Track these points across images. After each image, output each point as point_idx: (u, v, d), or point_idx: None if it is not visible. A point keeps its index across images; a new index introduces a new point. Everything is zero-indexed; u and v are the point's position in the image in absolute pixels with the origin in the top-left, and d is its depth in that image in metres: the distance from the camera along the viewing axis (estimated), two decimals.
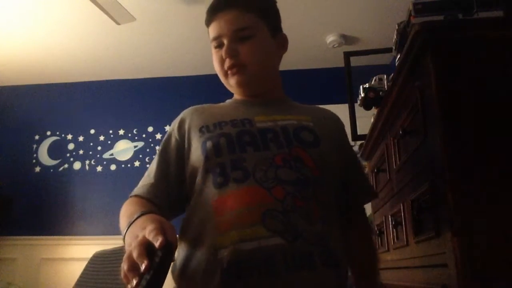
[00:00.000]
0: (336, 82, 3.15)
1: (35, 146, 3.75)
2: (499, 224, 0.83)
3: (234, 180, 0.86)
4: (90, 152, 3.69)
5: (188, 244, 0.89)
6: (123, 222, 0.84)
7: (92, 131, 3.74)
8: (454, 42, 0.93)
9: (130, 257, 0.66)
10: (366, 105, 1.68)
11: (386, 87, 1.64)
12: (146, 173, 1.00)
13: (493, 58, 0.92)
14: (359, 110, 1.84)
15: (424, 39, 0.93)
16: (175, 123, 1.03)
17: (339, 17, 2.98)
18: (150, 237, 0.67)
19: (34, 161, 3.71)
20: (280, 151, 0.90)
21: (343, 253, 0.90)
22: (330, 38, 3.20)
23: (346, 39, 3.20)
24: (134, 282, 0.63)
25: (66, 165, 3.68)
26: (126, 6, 2.54)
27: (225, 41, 0.98)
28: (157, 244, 0.65)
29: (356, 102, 1.84)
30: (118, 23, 2.68)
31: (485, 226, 0.82)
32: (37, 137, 3.77)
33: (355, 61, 2.32)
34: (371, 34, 3.11)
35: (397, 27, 1.29)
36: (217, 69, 1.02)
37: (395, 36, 1.32)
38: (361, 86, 1.71)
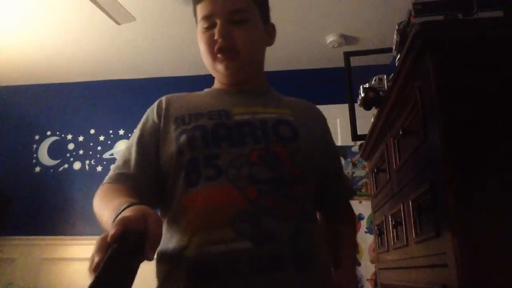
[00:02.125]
0: (336, 82, 3.15)
1: (35, 146, 3.75)
2: (499, 224, 0.83)
3: (206, 178, 0.82)
4: (90, 152, 3.69)
5: (163, 242, 0.85)
6: (107, 213, 0.74)
7: (92, 131, 3.74)
8: (454, 42, 0.93)
9: (92, 253, 0.59)
10: (366, 105, 1.68)
11: (386, 87, 1.64)
12: (122, 161, 0.92)
13: (493, 58, 0.92)
14: (359, 110, 1.84)
15: (424, 39, 0.93)
16: (153, 107, 0.98)
17: (339, 17, 2.98)
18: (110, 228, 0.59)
19: (34, 161, 3.71)
20: (257, 147, 0.85)
21: (322, 253, 0.87)
22: (330, 38, 3.20)
23: (346, 39, 3.20)
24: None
25: (66, 165, 3.68)
26: (126, 6, 2.54)
27: (218, 21, 0.91)
28: (108, 237, 0.57)
29: (356, 102, 1.83)
30: (118, 23, 2.68)
31: (485, 226, 0.82)
32: (37, 137, 3.77)
33: (355, 61, 2.32)
34: (371, 34, 3.11)
35: (397, 27, 1.29)
36: (205, 50, 0.94)
37: (395, 36, 1.32)
38: (361, 86, 1.71)
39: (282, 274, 0.78)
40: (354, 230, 1.10)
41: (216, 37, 0.91)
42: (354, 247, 1.07)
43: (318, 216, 0.94)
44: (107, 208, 0.76)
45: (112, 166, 0.94)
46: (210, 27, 0.93)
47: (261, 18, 0.98)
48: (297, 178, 0.87)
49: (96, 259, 0.56)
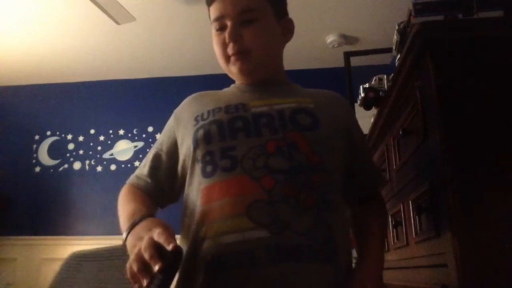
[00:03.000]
0: (336, 82, 3.14)
1: (35, 146, 3.75)
2: (499, 224, 0.83)
3: (222, 169, 0.83)
4: (90, 152, 3.69)
5: (184, 234, 0.89)
6: (123, 220, 0.84)
7: (92, 131, 3.74)
8: (454, 42, 0.93)
9: (141, 257, 0.66)
10: (366, 105, 1.68)
11: (386, 87, 1.65)
12: (143, 162, 1.02)
13: (493, 58, 0.92)
14: (359, 110, 1.83)
15: (424, 39, 0.93)
16: (176, 110, 1.02)
17: (339, 17, 2.98)
18: (160, 239, 0.67)
19: (34, 161, 3.71)
20: (274, 137, 0.85)
21: (343, 244, 0.84)
22: (330, 38, 3.20)
23: (346, 39, 3.20)
24: (145, 282, 0.64)
25: (66, 165, 3.67)
26: (126, 6, 2.54)
27: (229, 23, 0.92)
28: (169, 247, 0.66)
29: (356, 102, 1.84)
30: (118, 23, 2.68)
31: (485, 226, 0.82)
32: (37, 137, 3.77)
33: (355, 61, 2.32)
34: (371, 34, 3.10)
35: (397, 27, 1.30)
36: (218, 53, 0.96)
37: (395, 36, 1.32)
38: (361, 86, 1.71)
39: (299, 265, 0.77)
40: (385, 224, 1.05)
41: (227, 40, 0.92)
42: (383, 242, 0.99)
43: (344, 207, 0.91)
44: (122, 213, 0.88)
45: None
46: (221, 29, 0.95)
47: (274, 15, 0.98)
48: (316, 166, 0.85)
49: (157, 266, 0.64)
